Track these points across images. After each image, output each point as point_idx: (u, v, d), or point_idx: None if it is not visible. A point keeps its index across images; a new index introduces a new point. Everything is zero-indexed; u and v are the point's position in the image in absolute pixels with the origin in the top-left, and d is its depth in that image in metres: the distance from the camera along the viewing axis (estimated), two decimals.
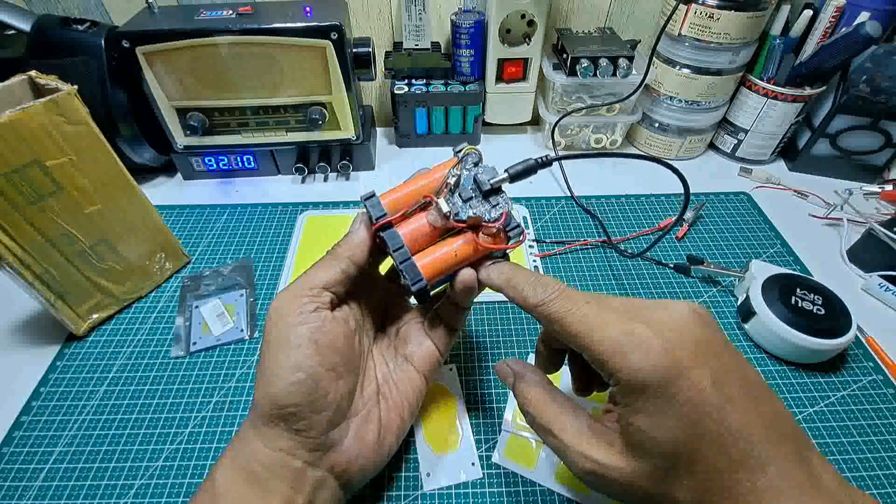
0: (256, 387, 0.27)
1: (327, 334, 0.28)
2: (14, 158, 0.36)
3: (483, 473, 0.36)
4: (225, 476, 0.26)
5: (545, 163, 0.30)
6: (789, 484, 0.20)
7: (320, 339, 0.27)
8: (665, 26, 0.52)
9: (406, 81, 0.64)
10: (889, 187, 0.57)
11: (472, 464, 0.36)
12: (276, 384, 0.26)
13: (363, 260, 0.30)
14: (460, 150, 0.31)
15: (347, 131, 0.60)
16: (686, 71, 0.59)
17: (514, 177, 0.30)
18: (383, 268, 0.37)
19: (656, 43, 0.54)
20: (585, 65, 0.59)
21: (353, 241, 0.30)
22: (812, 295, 0.42)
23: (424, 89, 0.63)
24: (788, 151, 0.67)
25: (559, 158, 0.30)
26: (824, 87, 0.59)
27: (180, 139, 0.58)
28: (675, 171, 0.31)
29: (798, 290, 0.43)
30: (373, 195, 0.31)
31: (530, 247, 0.53)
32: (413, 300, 0.36)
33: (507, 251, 0.31)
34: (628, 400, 0.22)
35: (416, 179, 0.31)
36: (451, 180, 0.30)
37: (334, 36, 0.51)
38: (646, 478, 0.22)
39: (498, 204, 0.30)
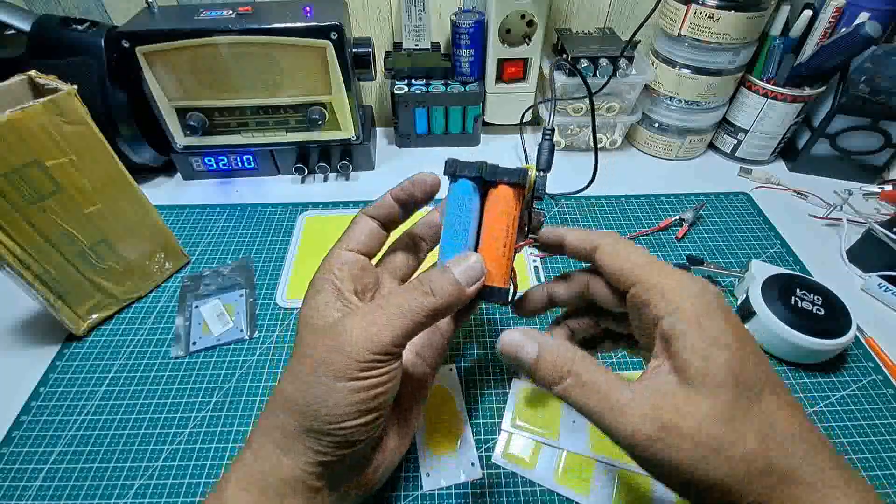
0: (293, 397, 0.24)
1: (396, 385, 0.26)
2: (14, 158, 0.36)
3: (483, 473, 0.36)
4: (237, 490, 0.25)
5: (550, 133, 0.29)
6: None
7: (392, 392, 0.26)
8: (648, 17, 0.52)
9: (406, 81, 0.64)
10: (889, 187, 0.57)
11: (472, 464, 0.36)
12: (334, 413, 0.24)
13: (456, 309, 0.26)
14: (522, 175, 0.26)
15: (347, 131, 0.60)
16: (686, 71, 0.59)
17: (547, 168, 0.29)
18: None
19: (634, 33, 0.54)
20: (585, 65, 0.59)
21: (455, 295, 0.25)
22: (812, 295, 0.42)
23: (424, 89, 0.63)
24: (788, 152, 0.67)
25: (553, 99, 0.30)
26: (824, 88, 0.59)
27: (180, 139, 0.58)
28: None
29: (798, 290, 0.43)
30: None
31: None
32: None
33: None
34: (686, 328, 0.22)
35: (493, 230, 0.27)
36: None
37: (334, 36, 0.51)
38: (715, 418, 0.20)
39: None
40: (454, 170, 0.26)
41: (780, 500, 0.20)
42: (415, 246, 0.33)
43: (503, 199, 0.26)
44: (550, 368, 0.23)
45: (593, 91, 0.59)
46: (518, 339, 0.24)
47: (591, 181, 0.28)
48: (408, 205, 0.30)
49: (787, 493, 0.20)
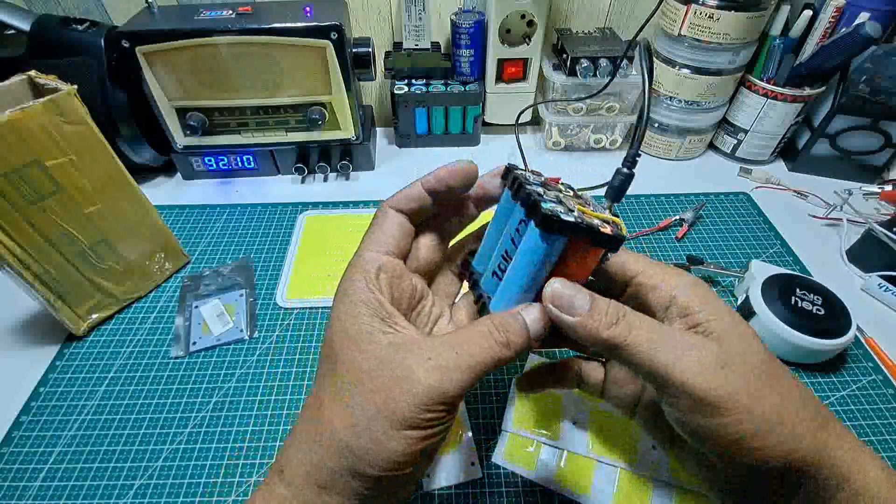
0: (343, 438, 0.21)
1: (451, 427, 0.24)
2: (14, 158, 0.36)
3: (483, 473, 0.36)
4: None
5: (632, 160, 0.26)
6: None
7: (447, 434, 0.24)
8: (650, 18, 0.52)
9: (406, 81, 0.64)
10: (888, 187, 0.57)
11: (472, 464, 0.36)
12: (389, 459, 0.21)
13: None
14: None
15: (347, 131, 0.60)
16: (686, 71, 0.59)
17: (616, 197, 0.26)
18: None
19: (636, 34, 0.54)
20: (585, 65, 0.59)
21: (524, 347, 0.24)
22: (812, 295, 0.42)
23: (424, 89, 0.63)
24: (788, 152, 0.67)
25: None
26: (824, 88, 0.59)
27: (180, 139, 0.58)
28: None
29: (798, 290, 0.42)
30: None
31: None
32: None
33: None
34: (700, 302, 0.23)
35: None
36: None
37: (334, 36, 0.51)
38: (757, 363, 0.22)
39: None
40: (556, 227, 0.22)
41: (829, 444, 0.21)
42: (442, 226, 0.29)
43: (590, 258, 0.24)
44: (604, 313, 0.23)
45: (595, 92, 0.59)
46: (568, 290, 0.23)
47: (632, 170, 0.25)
48: (441, 196, 0.27)
49: (832, 440, 0.21)
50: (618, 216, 0.25)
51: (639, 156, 0.25)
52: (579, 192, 0.27)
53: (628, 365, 0.23)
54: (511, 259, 0.25)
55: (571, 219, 0.22)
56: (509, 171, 0.26)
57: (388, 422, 0.21)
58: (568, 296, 0.23)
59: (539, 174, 0.27)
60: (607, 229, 0.23)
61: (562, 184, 0.27)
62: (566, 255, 0.24)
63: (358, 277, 0.24)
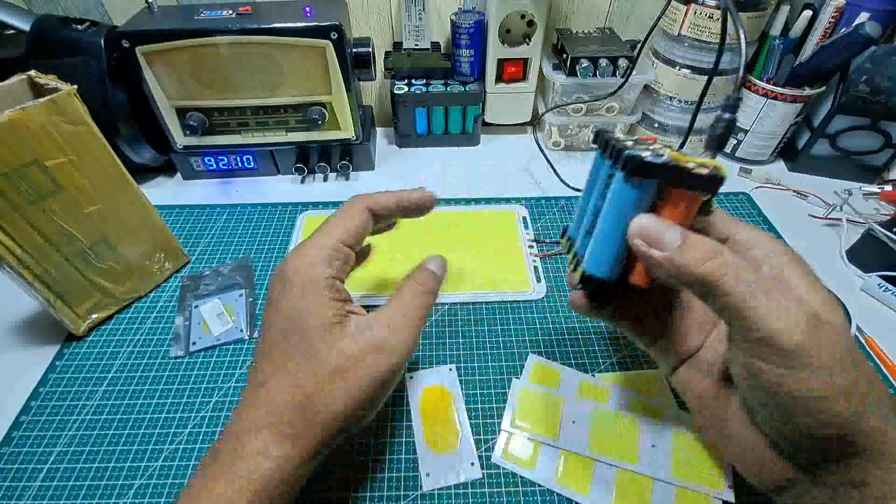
0: (337, 412, 0.26)
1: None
2: (14, 158, 0.36)
3: (483, 473, 0.36)
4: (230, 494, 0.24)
5: (734, 103, 0.24)
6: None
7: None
8: (656, 23, 0.52)
9: (406, 81, 0.64)
10: (888, 188, 0.57)
11: (472, 464, 0.36)
12: (370, 418, 0.29)
13: None
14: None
15: (347, 131, 0.60)
16: (686, 71, 0.59)
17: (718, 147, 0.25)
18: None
19: (645, 39, 0.54)
20: (585, 65, 0.59)
21: None
22: None
23: (424, 89, 0.63)
24: (788, 152, 0.67)
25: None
26: (824, 88, 0.59)
27: (180, 139, 0.58)
28: None
29: None
30: None
31: (530, 247, 0.53)
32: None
33: None
34: (795, 268, 0.24)
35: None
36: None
37: (334, 36, 0.51)
38: (843, 331, 0.23)
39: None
40: (641, 169, 0.20)
41: (890, 427, 0.22)
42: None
43: (686, 206, 0.23)
44: (699, 248, 0.22)
45: (612, 91, 0.59)
46: (657, 224, 0.22)
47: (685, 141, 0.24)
48: (408, 214, 0.34)
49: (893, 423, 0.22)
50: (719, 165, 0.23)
51: (740, 99, 0.24)
52: (680, 151, 0.25)
53: (715, 306, 0.22)
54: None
55: (659, 161, 0.21)
56: (599, 134, 0.25)
57: (380, 389, 0.27)
58: (656, 229, 0.22)
59: (633, 136, 0.26)
60: (704, 171, 0.21)
61: (659, 141, 0.26)
62: (659, 204, 0.22)
63: (322, 262, 0.28)
